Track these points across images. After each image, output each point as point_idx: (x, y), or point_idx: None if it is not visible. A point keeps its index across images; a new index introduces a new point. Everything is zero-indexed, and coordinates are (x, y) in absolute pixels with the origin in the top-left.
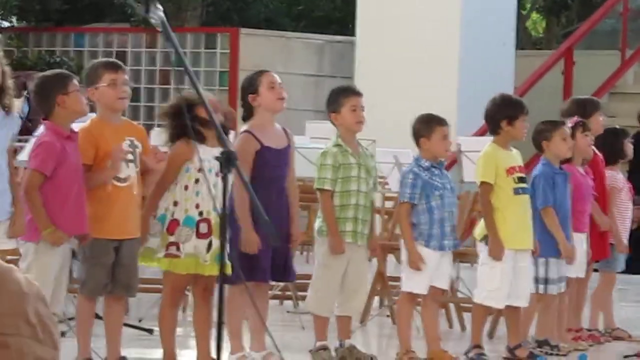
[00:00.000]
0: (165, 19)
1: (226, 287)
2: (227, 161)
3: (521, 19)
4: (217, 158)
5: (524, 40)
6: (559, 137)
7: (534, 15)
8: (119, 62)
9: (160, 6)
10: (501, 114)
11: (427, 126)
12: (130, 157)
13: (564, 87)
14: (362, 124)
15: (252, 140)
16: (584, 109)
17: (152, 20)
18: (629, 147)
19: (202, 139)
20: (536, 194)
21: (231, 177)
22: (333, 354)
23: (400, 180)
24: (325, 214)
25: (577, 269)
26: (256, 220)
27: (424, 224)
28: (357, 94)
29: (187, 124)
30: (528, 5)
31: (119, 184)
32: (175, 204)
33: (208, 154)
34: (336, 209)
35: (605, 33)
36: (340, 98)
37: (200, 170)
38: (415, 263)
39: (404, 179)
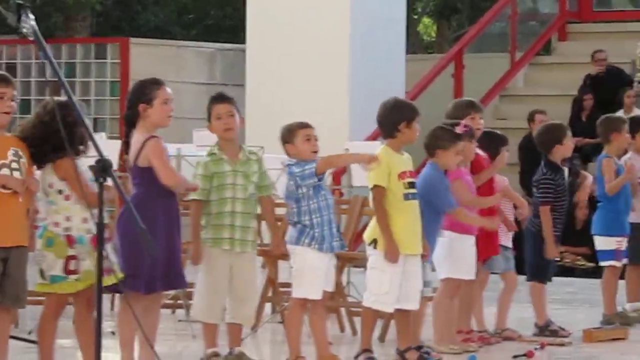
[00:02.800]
0: (37, 28)
1: (118, 296)
2: (102, 170)
3: (412, 24)
4: (91, 167)
5: (416, 45)
6: (454, 151)
7: (425, 20)
8: (9, 77)
9: (32, 15)
10: (400, 117)
11: (287, 133)
12: (15, 165)
13: (455, 90)
14: (230, 132)
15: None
16: (458, 111)
17: (24, 30)
18: (505, 155)
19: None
20: (439, 199)
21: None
22: None
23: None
24: (191, 223)
25: (468, 270)
26: (133, 230)
27: (316, 227)
28: (223, 100)
29: (63, 138)
30: (419, 10)
31: (3, 190)
32: (68, 219)
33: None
34: (212, 217)
35: (494, 36)
36: (209, 108)
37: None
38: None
39: (288, 184)
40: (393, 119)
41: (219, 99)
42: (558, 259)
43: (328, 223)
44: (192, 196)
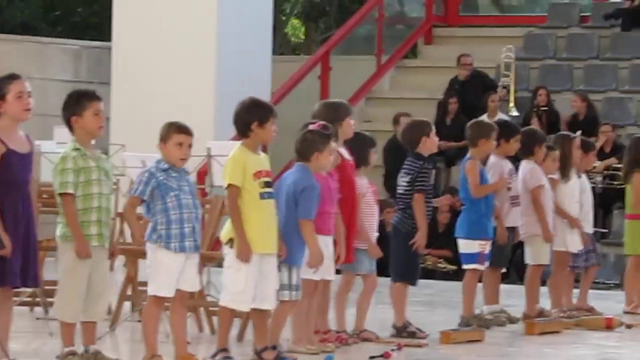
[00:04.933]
0: None
1: None
2: None
3: (280, 25)
4: None
5: (284, 46)
6: (328, 152)
7: (294, 21)
8: None
9: None
10: (252, 116)
11: (165, 132)
12: None
13: (321, 92)
14: (102, 129)
15: None
16: (336, 113)
17: None
18: (373, 157)
19: None
20: (305, 203)
21: None
22: None
23: (136, 179)
24: (69, 219)
25: (324, 271)
26: None
27: (161, 225)
28: (99, 99)
29: None
30: (287, 11)
31: None
32: None
33: None
34: (79, 213)
35: (361, 39)
36: (84, 102)
37: None
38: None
39: (139, 175)
40: (245, 119)
41: (97, 96)
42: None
43: (179, 222)
44: (63, 190)
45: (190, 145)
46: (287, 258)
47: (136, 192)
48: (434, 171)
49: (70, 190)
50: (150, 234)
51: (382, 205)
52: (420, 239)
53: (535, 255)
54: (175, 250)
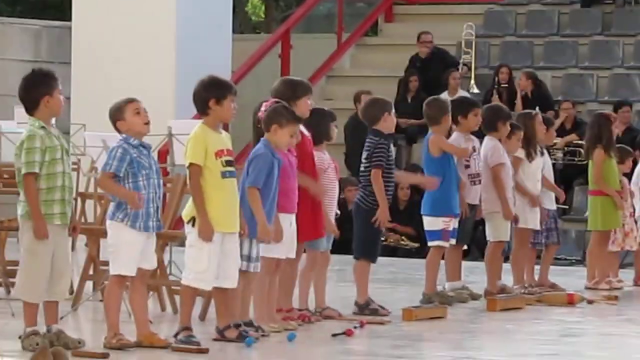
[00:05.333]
0: None
1: None
2: None
3: (240, 3)
4: None
5: (245, 25)
6: (289, 131)
7: (254, 0)
8: None
9: None
10: (210, 94)
11: (117, 109)
12: None
13: (282, 70)
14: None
15: None
16: (294, 91)
17: None
18: (334, 130)
19: None
20: (253, 171)
21: None
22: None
23: (107, 154)
24: (30, 198)
25: (287, 249)
26: None
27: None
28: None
29: None
30: None
31: None
32: None
33: None
34: (43, 192)
35: (322, 17)
36: (52, 82)
37: None
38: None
39: (111, 152)
40: (203, 96)
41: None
42: (382, 238)
43: (146, 202)
44: (30, 169)
45: (145, 110)
46: (250, 231)
47: (111, 168)
48: (393, 148)
49: (36, 170)
50: (115, 212)
51: (343, 184)
52: (381, 214)
53: (495, 231)
54: (140, 229)
